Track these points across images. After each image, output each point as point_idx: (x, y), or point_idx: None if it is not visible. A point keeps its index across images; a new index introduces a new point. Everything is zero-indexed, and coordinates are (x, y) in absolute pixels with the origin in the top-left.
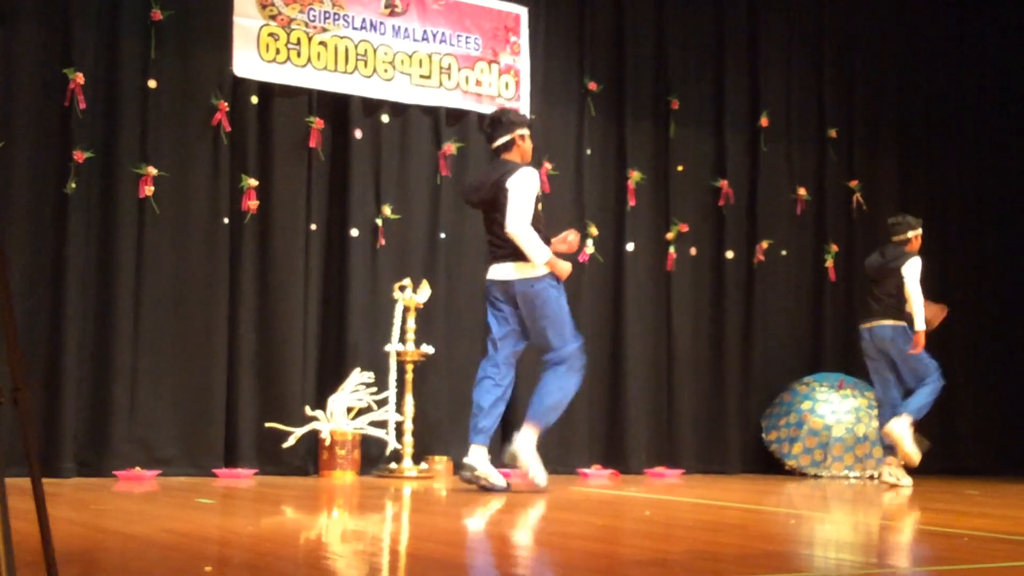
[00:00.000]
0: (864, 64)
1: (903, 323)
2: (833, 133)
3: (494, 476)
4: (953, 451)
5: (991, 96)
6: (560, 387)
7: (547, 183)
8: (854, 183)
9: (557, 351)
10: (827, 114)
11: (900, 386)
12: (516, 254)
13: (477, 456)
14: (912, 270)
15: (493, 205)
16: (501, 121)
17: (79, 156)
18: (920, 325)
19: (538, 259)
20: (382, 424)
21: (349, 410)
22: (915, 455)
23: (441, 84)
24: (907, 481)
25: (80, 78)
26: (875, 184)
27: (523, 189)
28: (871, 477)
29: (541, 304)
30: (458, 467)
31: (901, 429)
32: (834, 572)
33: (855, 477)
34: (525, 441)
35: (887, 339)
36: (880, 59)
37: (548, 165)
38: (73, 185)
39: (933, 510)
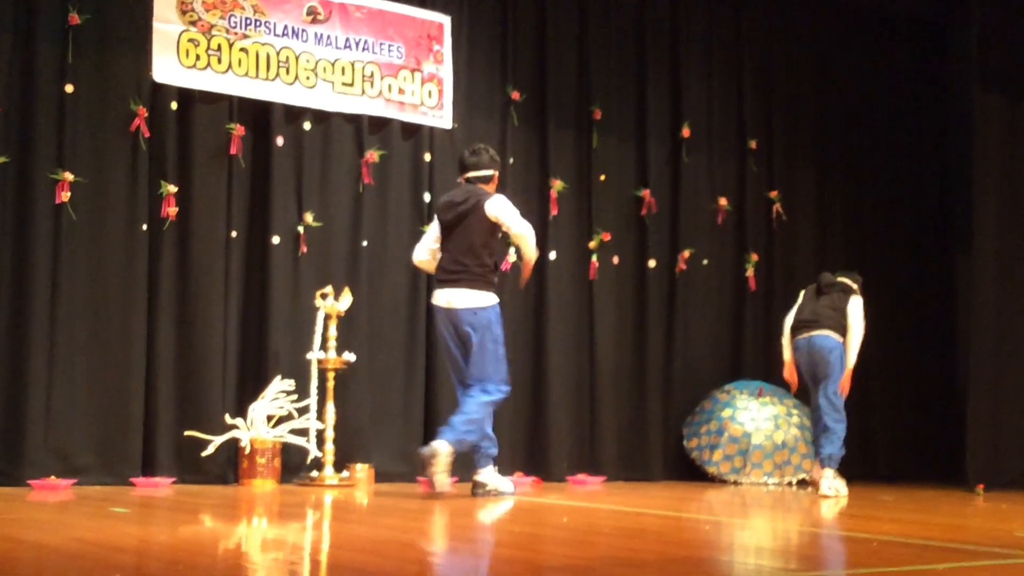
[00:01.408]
0: (782, 77)
1: (843, 340)
2: (753, 144)
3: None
4: (869, 458)
5: (905, 109)
6: (480, 405)
7: None
8: (774, 193)
9: (483, 382)
10: (747, 126)
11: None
12: (466, 281)
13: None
14: (857, 305)
15: (466, 223)
16: (488, 154)
17: None
18: (852, 361)
19: (534, 254)
20: (303, 432)
21: (269, 418)
22: (842, 488)
23: (364, 92)
24: (844, 491)
25: None
26: (794, 194)
27: (509, 206)
28: (789, 483)
29: (483, 333)
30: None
31: (830, 483)
32: None
33: (774, 484)
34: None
35: (826, 349)
36: (798, 72)
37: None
38: None
39: (847, 515)
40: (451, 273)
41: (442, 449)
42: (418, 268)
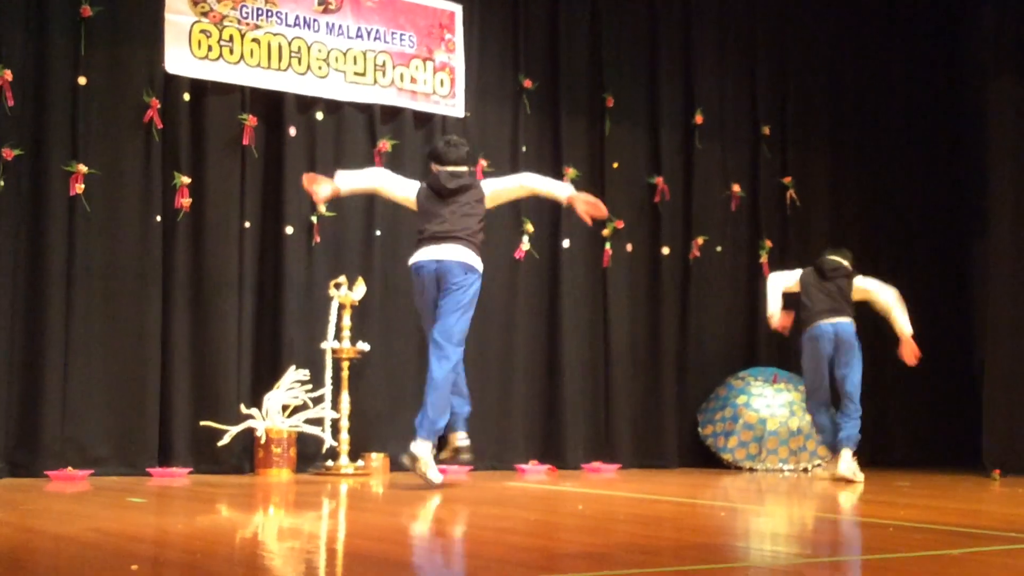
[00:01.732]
0: (796, 63)
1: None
2: (766, 131)
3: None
4: (886, 444)
5: (920, 94)
6: (446, 375)
7: None
8: (788, 180)
9: (446, 338)
10: (760, 112)
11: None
12: (464, 241)
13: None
14: (869, 281)
15: (468, 195)
16: (467, 148)
17: (8, 154)
18: (909, 327)
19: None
20: (318, 422)
21: (285, 408)
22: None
23: (376, 81)
24: (861, 476)
25: (8, 75)
26: (808, 180)
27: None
28: (805, 470)
29: (466, 291)
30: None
31: (848, 464)
32: (767, 564)
33: (789, 470)
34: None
35: (853, 336)
36: (812, 58)
37: (484, 162)
38: (1, 183)
39: (863, 501)
40: (446, 233)
41: (421, 453)
42: (379, 179)
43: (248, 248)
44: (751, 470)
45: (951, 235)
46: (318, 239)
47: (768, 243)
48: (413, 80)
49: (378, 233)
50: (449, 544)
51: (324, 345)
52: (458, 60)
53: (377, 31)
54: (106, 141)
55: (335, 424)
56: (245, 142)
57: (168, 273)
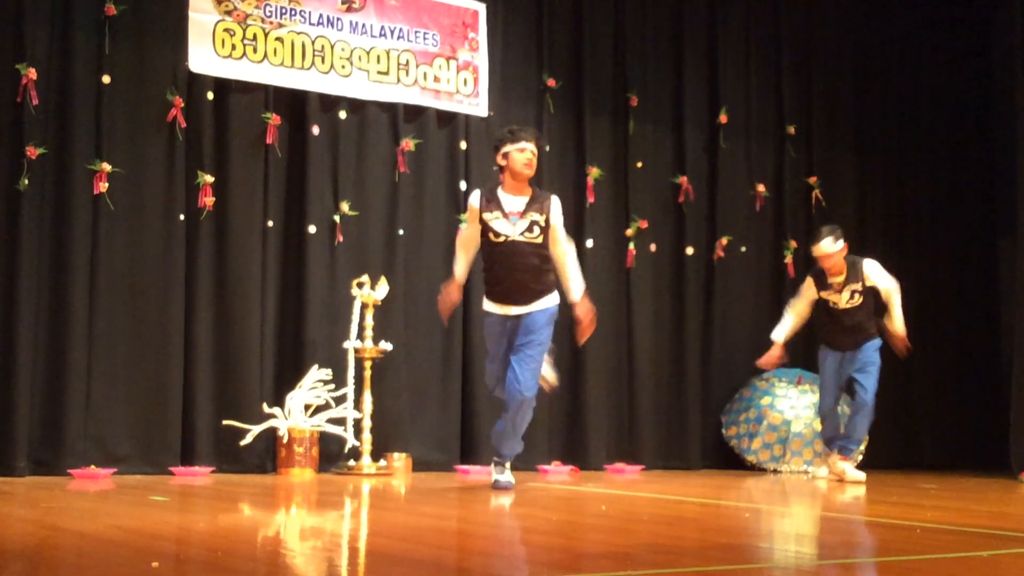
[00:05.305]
0: (822, 61)
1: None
2: (792, 130)
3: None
4: (912, 446)
5: (946, 92)
6: None
7: None
8: (813, 180)
9: None
10: (786, 111)
11: None
12: None
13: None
14: None
15: None
16: None
17: (32, 152)
18: None
19: None
20: (340, 421)
21: (307, 407)
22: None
23: (399, 80)
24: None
25: (33, 73)
26: (834, 180)
27: None
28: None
29: None
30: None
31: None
32: (792, 565)
33: (814, 471)
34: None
35: None
36: (837, 56)
37: None
38: (26, 182)
39: (890, 503)
40: None
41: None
42: None
43: (271, 247)
44: (775, 471)
45: (978, 235)
46: (341, 238)
47: (793, 243)
48: (436, 79)
49: (401, 232)
50: (472, 543)
51: (347, 344)
52: (482, 59)
53: (400, 30)
54: (130, 140)
55: (357, 424)
56: (268, 141)
57: (191, 272)
